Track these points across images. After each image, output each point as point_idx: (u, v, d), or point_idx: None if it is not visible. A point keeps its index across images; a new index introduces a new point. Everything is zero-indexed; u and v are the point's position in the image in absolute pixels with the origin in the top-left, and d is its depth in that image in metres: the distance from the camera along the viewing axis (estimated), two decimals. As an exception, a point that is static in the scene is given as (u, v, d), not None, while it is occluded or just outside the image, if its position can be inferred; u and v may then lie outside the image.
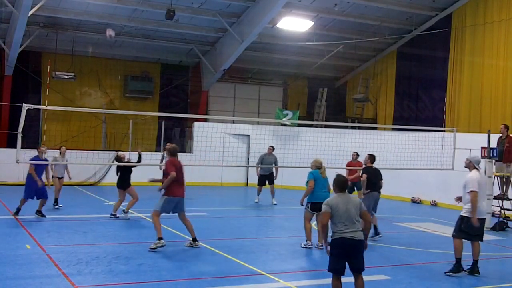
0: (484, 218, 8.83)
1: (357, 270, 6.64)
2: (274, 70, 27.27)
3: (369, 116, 26.08)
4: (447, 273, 8.65)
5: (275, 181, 17.46)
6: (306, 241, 10.46)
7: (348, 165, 15.89)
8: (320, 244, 10.08)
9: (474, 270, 8.73)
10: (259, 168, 17.50)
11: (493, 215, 14.21)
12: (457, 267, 8.67)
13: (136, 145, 22.21)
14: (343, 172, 16.00)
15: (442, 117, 21.94)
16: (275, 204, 16.78)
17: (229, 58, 23.09)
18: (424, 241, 11.97)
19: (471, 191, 8.55)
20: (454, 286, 8.30)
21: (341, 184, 6.78)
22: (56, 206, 14.49)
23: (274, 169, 17.43)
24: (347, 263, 6.62)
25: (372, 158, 11.90)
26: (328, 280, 7.31)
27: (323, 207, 6.65)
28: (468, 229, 8.59)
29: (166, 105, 26.04)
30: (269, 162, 17.22)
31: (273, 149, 17.43)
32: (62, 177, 14.99)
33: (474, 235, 8.71)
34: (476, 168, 8.83)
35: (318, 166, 10.65)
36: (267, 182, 17.37)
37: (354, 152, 16.07)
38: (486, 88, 20.16)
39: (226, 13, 21.29)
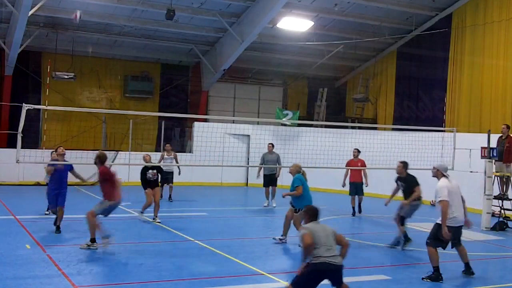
0: (461, 226, 8.55)
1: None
2: (274, 70, 27.26)
3: (369, 116, 26.08)
4: (424, 278, 8.39)
5: (277, 181, 16.92)
6: (282, 235, 10.84)
7: (348, 163, 15.75)
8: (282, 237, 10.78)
9: (468, 271, 8.69)
10: (261, 169, 16.85)
11: (493, 215, 14.19)
12: (436, 275, 8.36)
13: (135, 146, 22.25)
14: (342, 172, 16.01)
15: (442, 117, 21.94)
16: (274, 207, 16.46)
17: (229, 58, 23.09)
18: (424, 241, 11.92)
19: (440, 200, 8.27)
20: (454, 286, 8.30)
21: (315, 213, 6.81)
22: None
23: (277, 169, 16.79)
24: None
25: (406, 165, 11.43)
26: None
27: (303, 231, 6.55)
28: (443, 237, 8.34)
29: (166, 105, 26.04)
30: (272, 160, 16.59)
31: (273, 146, 16.90)
32: None
33: (452, 242, 8.53)
34: (445, 176, 8.61)
35: (298, 171, 10.87)
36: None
37: (355, 149, 15.67)
38: (486, 88, 20.15)
39: (226, 13, 21.29)
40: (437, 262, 8.41)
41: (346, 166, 15.69)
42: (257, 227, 13.67)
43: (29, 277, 7.75)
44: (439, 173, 8.69)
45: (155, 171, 13.11)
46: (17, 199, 16.69)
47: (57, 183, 11.42)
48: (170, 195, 16.89)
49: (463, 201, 8.70)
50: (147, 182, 13.06)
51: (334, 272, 6.47)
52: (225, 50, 23.29)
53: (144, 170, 13.12)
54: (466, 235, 12.35)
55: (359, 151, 15.56)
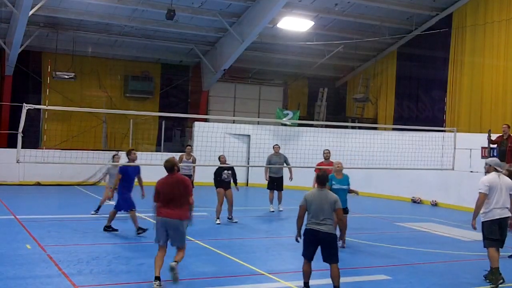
0: (500, 220, 8.30)
1: (328, 261, 7.22)
2: (274, 70, 27.27)
3: (369, 116, 26.08)
4: (486, 279, 8.26)
5: (291, 182, 15.51)
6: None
7: (319, 165, 13.65)
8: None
9: (489, 277, 8.36)
10: (268, 171, 15.73)
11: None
12: (495, 277, 8.14)
13: (136, 146, 22.18)
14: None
15: (442, 117, 21.94)
16: (281, 211, 15.49)
17: (229, 58, 23.10)
18: (424, 241, 11.96)
19: (479, 192, 8.32)
20: (454, 286, 8.30)
21: (323, 180, 7.46)
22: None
23: (286, 170, 15.70)
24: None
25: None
26: (328, 280, 7.33)
27: (301, 201, 7.35)
28: (490, 235, 8.24)
29: (166, 105, 26.04)
30: (278, 162, 15.43)
31: (279, 147, 15.77)
32: None
33: (498, 239, 8.30)
34: (497, 171, 8.51)
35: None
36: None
37: (327, 150, 13.79)
38: (486, 88, 20.15)
39: (226, 13, 21.29)
40: (496, 262, 8.18)
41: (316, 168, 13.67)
42: (257, 227, 13.65)
43: (29, 277, 7.75)
44: (491, 168, 8.55)
45: (230, 171, 13.27)
46: (17, 199, 16.70)
47: (130, 187, 11.32)
48: None
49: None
50: (220, 182, 13.22)
51: (320, 239, 7.17)
52: (225, 50, 23.30)
53: (220, 171, 13.24)
54: (466, 234, 12.40)
55: (330, 153, 13.75)
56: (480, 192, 8.34)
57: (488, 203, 8.30)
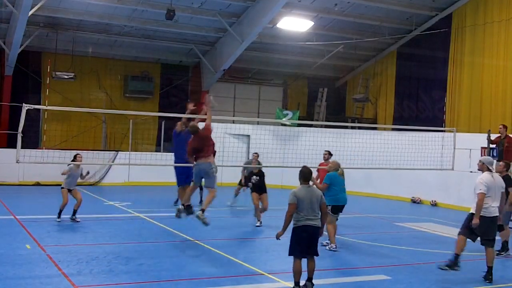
0: (494, 219, 8.63)
1: (312, 254, 7.43)
2: (274, 70, 27.26)
3: (369, 116, 26.08)
4: (441, 267, 8.58)
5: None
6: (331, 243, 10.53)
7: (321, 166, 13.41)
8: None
9: (487, 277, 8.57)
10: (244, 172, 15.55)
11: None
12: (454, 262, 8.54)
13: (135, 146, 22.17)
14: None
15: (442, 117, 21.94)
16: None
17: (229, 58, 23.09)
18: (424, 241, 11.96)
19: (478, 193, 8.51)
20: (453, 286, 8.30)
21: (306, 176, 7.62)
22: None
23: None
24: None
25: (508, 166, 10.93)
26: (328, 280, 7.35)
27: (291, 197, 7.41)
28: (474, 227, 8.48)
29: (166, 105, 26.01)
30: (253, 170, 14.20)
31: (258, 155, 15.07)
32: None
33: (483, 238, 8.59)
34: (490, 170, 8.74)
35: (336, 169, 10.78)
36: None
37: (326, 151, 13.53)
38: (486, 88, 20.16)
39: (226, 13, 21.29)
40: (460, 250, 8.56)
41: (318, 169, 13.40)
42: (257, 227, 13.64)
43: (29, 277, 7.75)
44: (484, 166, 8.79)
45: (257, 177, 13.29)
46: (17, 199, 16.70)
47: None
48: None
49: (505, 197, 8.96)
50: (253, 186, 13.24)
51: (313, 233, 7.37)
52: (225, 50, 23.29)
53: (250, 175, 13.31)
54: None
55: (330, 154, 13.39)
56: (480, 193, 8.50)
57: (487, 202, 8.51)
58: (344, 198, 10.63)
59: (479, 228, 8.47)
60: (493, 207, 8.58)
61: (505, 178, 10.78)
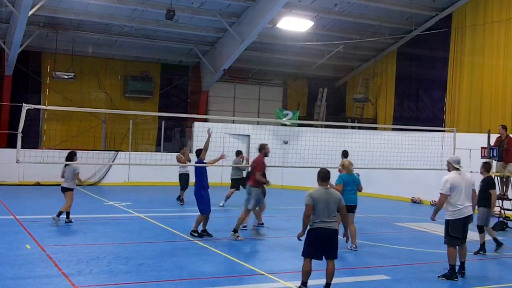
0: (467, 218, 8.55)
1: (331, 257, 7.33)
2: (274, 70, 27.27)
3: (369, 116, 26.08)
4: (440, 277, 8.50)
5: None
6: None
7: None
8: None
9: (460, 271, 8.65)
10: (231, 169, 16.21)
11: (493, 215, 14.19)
12: (451, 273, 8.47)
13: (135, 146, 22.15)
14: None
15: (442, 117, 21.94)
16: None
17: (229, 58, 23.09)
18: (424, 241, 11.96)
19: (440, 193, 8.53)
20: (453, 287, 8.30)
21: (325, 177, 7.46)
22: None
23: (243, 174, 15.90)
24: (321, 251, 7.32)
25: (488, 167, 11.07)
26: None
27: (307, 198, 7.28)
28: (454, 233, 8.47)
29: (166, 105, 26.04)
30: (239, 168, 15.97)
31: (241, 153, 16.35)
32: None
33: (461, 238, 8.57)
34: (456, 169, 8.67)
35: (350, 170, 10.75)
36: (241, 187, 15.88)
37: (345, 151, 14.07)
38: (486, 88, 20.16)
39: (226, 13, 21.29)
40: (454, 260, 8.51)
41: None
42: (257, 227, 13.64)
43: (29, 277, 7.75)
44: (450, 165, 8.78)
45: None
46: (17, 199, 16.70)
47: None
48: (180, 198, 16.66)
49: (475, 196, 8.89)
50: None
51: (327, 237, 7.25)
52: (225, 50, 23.29)
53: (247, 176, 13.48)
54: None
55: (345, 155, 13.72)
56: (440, 193, 8.52)
57: (454, 202, 8.46)
58: (349, 199, 10.42)
59: (454, 230, 8.46)
60: (466, 207, 8.48)
61: (487, 181, 10.85)
